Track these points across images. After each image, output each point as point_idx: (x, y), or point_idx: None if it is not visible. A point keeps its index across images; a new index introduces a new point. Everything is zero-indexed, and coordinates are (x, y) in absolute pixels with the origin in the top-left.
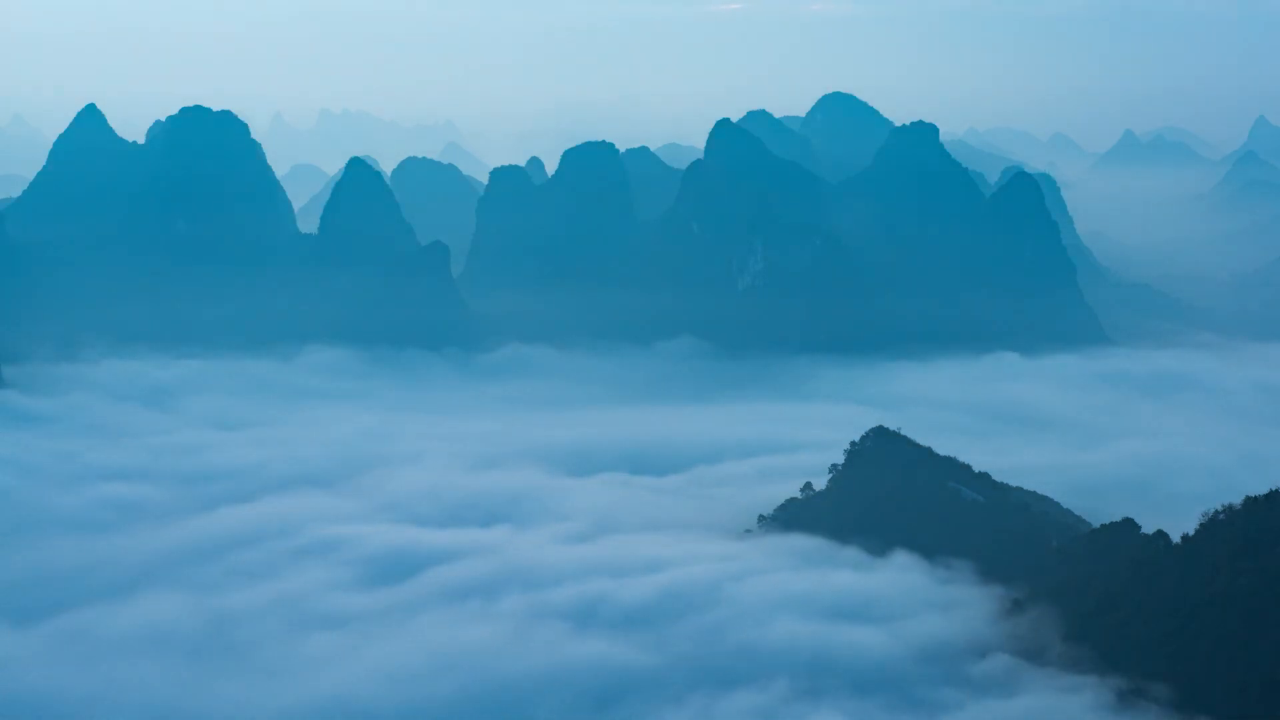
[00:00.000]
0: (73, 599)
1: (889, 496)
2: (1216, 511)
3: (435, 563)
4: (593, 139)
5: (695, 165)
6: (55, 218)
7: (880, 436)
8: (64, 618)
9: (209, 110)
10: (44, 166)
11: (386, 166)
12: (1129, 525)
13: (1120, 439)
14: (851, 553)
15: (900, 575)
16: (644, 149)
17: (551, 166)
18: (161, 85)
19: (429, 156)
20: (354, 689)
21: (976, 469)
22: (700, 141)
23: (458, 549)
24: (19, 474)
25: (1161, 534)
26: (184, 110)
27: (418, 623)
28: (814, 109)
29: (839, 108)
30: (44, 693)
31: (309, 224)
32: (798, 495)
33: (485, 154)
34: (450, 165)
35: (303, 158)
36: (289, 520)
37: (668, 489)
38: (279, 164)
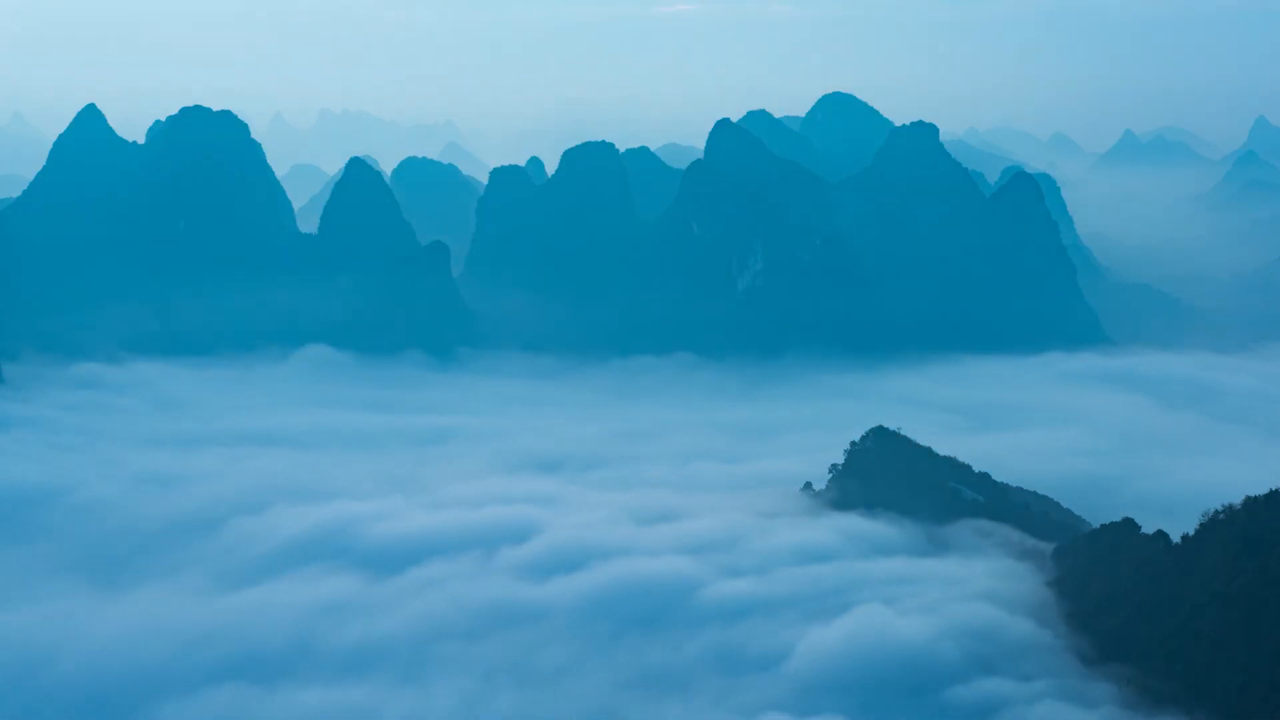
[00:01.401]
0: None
1: (889, 496)
2: (1216, 511)
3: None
4: (593, 139)
5: (695, 165)
6: (55, 218)
7: (880, 436)
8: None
9: (209, 110)
10: (44, 166)
11: (386, 166)
12: (1129, 525)
13: (1121, 438)
14: (851, 549)
15: (899, 574)
16: (644, 149)
17: (551, 166)
18: (161, 85)
19: (429, 156)
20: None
21: (976, 469)
22: (700, 141)
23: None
24: (15, 474)
25: (1161, 534)
26: (184, 110)
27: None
28: (814, 109)
29: (839, 108)
30: None
31: (309, 224)
32: (797, 495)
33: (485, 154)
34: (450, 165)
35: (303, 158)
36: (296, 523)
37: (667, 489)
38: (279, 164)
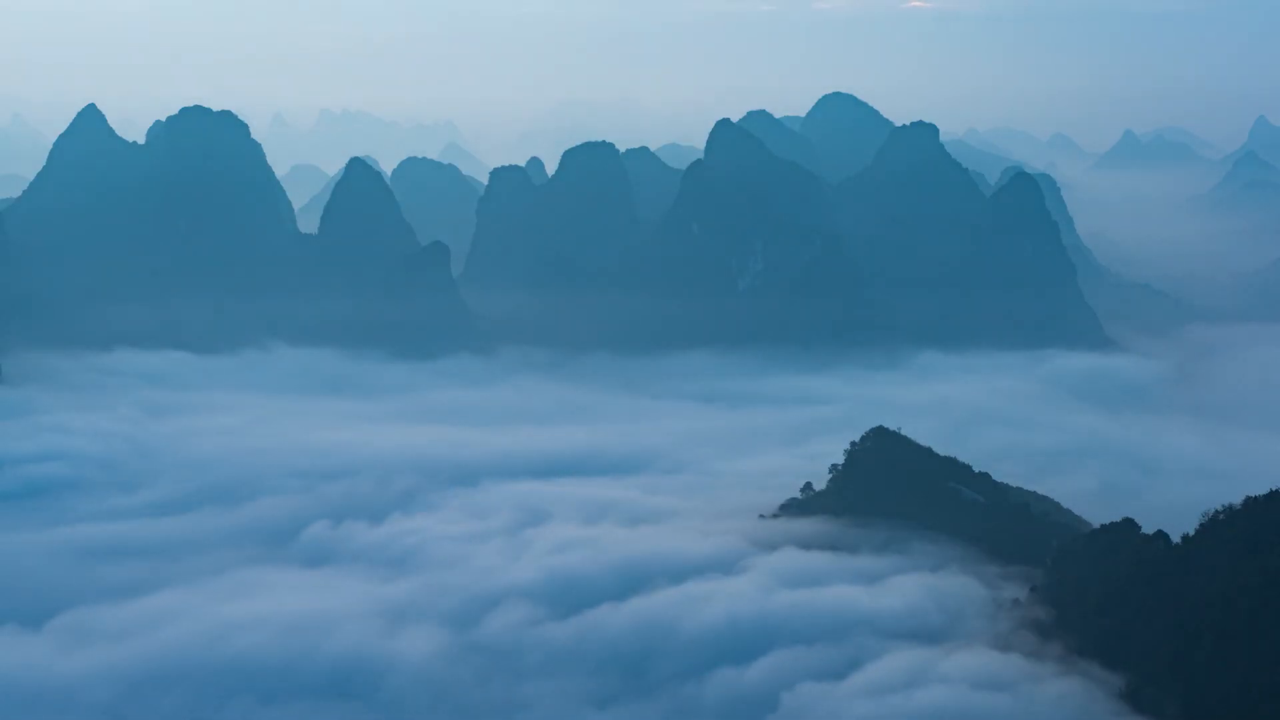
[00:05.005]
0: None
1: (889, 496)
2: (1216, 511)
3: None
4: (593, 139)
5: (695, 165)
6: (55, 218)
7: (880, 436)
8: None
9: (209, 110)
10: (44, 166)
11: (386, 166)
12: (1129, 525)
13: (1121, 438)
14: (851, 550)
15: (899, 574)
16: (644, 149)
17: (551, 166)
18: (161, 85)
19: (429, 156)
20: None
21: (976, 469)
22: (700, 141)
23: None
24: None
25: (1161, 534)
26: (184, 110)
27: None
28: (814, 109)
29: (839, 108)
30: None
31: (309, 224)
32: (798, 495)
33: (485, 154)
34: (450, 165)
35: (303, 158)
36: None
37: (668, 490)
38: (279, 164)
